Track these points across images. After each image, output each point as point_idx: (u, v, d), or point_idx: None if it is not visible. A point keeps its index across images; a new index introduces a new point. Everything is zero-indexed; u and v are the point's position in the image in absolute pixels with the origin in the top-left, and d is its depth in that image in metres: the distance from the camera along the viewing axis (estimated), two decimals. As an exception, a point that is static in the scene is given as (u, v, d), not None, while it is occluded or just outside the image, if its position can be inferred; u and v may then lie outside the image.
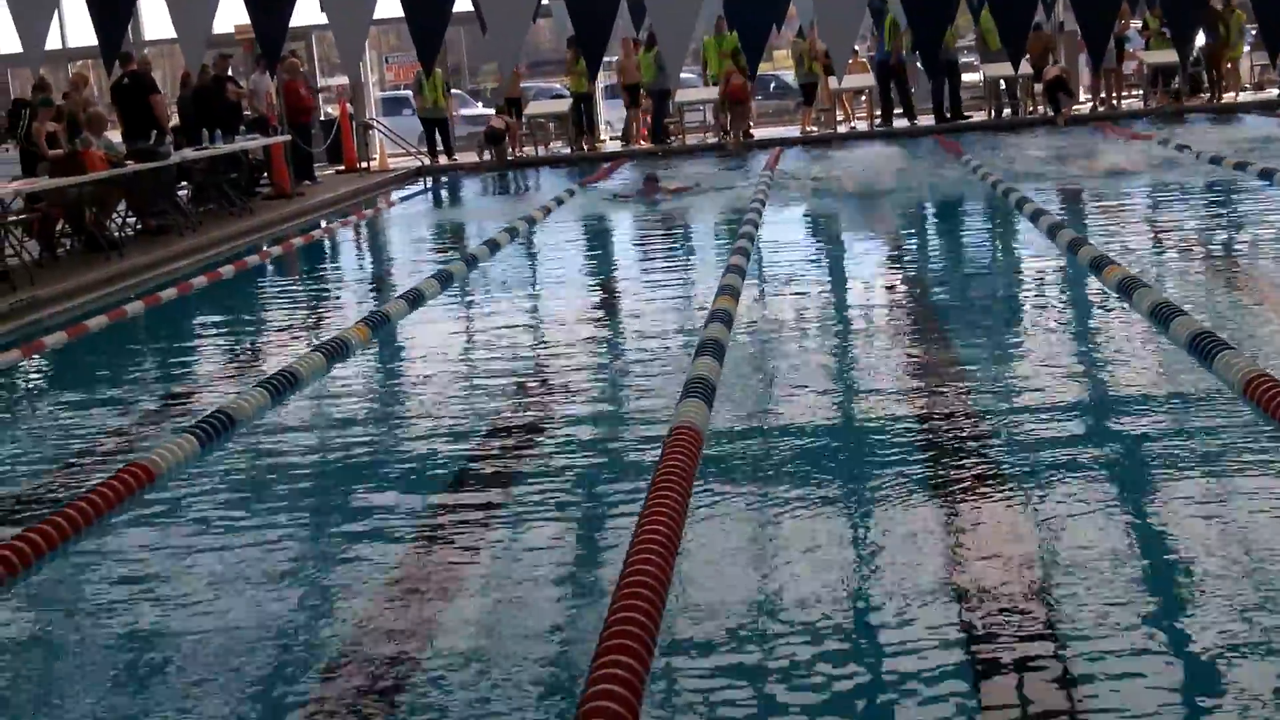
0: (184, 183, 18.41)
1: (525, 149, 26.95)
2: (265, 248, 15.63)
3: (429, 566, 5.29)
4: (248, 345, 10.59)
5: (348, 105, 25.79)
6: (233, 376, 9.27)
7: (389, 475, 6.62)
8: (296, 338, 10.52)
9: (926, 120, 26.19)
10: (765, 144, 24.96)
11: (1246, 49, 27.45)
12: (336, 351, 8.98)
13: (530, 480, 6.33)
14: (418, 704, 4.14)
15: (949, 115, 25.82)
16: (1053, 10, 24.53)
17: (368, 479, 6.59)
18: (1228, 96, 25.84)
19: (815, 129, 26.31)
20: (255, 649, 4.60)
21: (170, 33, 14.48)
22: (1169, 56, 23.95)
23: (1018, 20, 11.68)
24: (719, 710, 3.95)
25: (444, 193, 23.48)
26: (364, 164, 25.97)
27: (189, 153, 17.82)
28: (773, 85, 32.13)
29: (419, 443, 7.14)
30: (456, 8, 12.27)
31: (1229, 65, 26.06)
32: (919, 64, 23.59)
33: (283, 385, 8.02)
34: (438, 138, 26.52)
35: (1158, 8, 22.92)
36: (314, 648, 4.59)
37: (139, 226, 16.74)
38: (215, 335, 11.29)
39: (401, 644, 4.54)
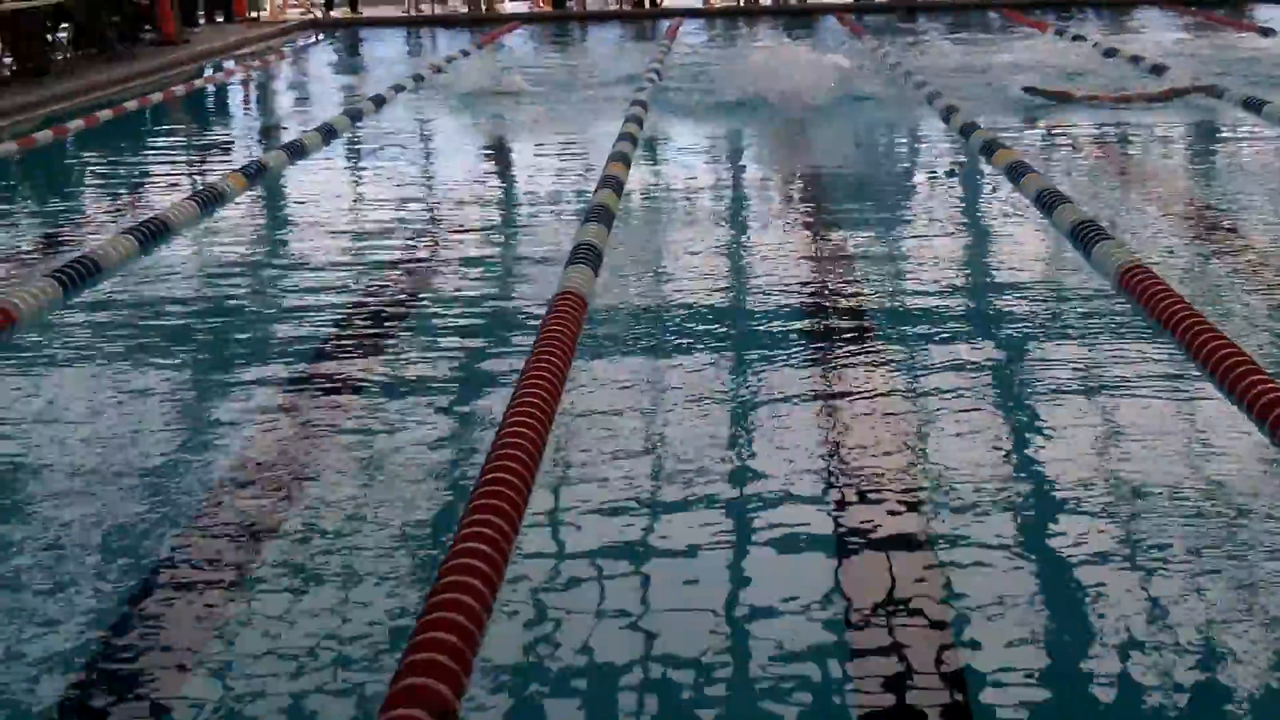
0: (64, 24, 17.84)
1: (423, 6, 26.47)
2: (145, 95, 15.17)
3: (295, 428, 5.14)
4: (122, 192, 10.26)
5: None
6: (105, 223, 8.99)
7: (256, 332, 6.44)
8: (173, 186, 10.22)
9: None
10: (669, 13, 24.71)
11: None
12: (211, 200, 8.75)
13: (407, 343, 6.18)
14: (274, 570, 4.02)
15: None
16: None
17: (234, 333, 6.41)
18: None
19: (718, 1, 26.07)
20: (111, 501, 4.45)
21: None
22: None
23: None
24: (582, 586, 3.87)
25: (336, 47, 22.97)
26: (254, 14, 25.39)
27: (68, -8, 17.25)
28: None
29: (291, 298, 6.95)
30: None
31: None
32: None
33: (152, 232, 7.81)
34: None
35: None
36: (170, 505, 4.44)
37: (14, 67, 16.21)
38: (90, 181, 10.97)
39: (261, 506, 4.41)
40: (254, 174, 9.68)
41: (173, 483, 4.59)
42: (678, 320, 6.28)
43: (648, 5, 25.57)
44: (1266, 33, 18.63)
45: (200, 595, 3.83)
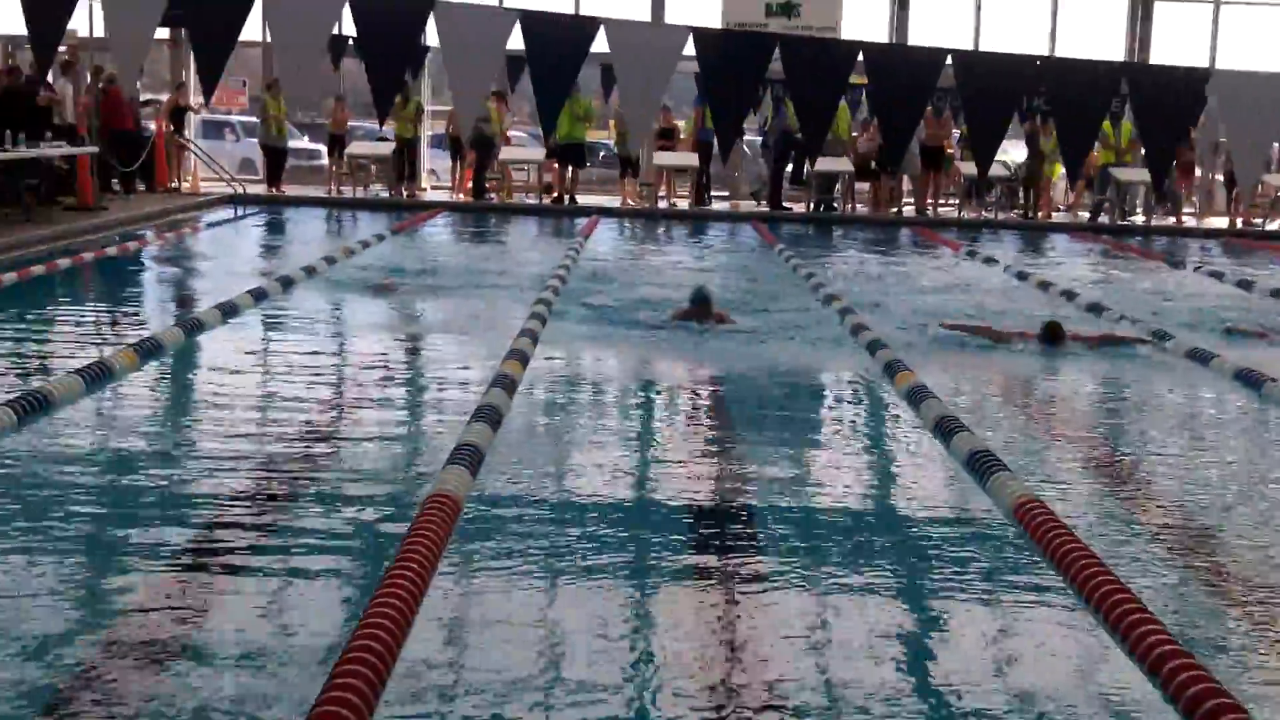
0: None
1: (344, 189, 26.56)
2: (53, 260, 14.98)
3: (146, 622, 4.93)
4: (9, 362, 10.02)
5: (163, 123, 25.16)
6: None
7: (124, 511, 6.21)
8: (65, 358, 9.98)
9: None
10: (586, 210, 24.87)
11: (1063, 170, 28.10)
12: (98, 376, 8.54)
13: (276, 536, 5.98)
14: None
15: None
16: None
17: (103, 513, 6.19)
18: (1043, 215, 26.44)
19: (635, 202, 26.31)
20: None
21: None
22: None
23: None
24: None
25: (253, 222, 22.93)
26: (175, 184, 25.38)
27: (-14, 153, 17.14)
28: (602, 154, 32.07)
29: (169, 482, 6.73)
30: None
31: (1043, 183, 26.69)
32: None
33: (31, 406, 7.57)
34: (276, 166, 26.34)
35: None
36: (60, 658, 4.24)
37: (-77, 223, 16.03)
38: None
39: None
40: (147, 351, 9.47)
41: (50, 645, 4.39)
42: (559, 527, 6.13)
43: (566, 202, 25.76)
44: (1177, 265, 19.03)
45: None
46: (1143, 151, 23.38)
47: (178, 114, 25.98)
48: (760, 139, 27.75)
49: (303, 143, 32.53)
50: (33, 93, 20.04)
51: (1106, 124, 24.27)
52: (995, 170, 23.73)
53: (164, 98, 27.02)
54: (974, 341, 11.47)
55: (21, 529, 5.87)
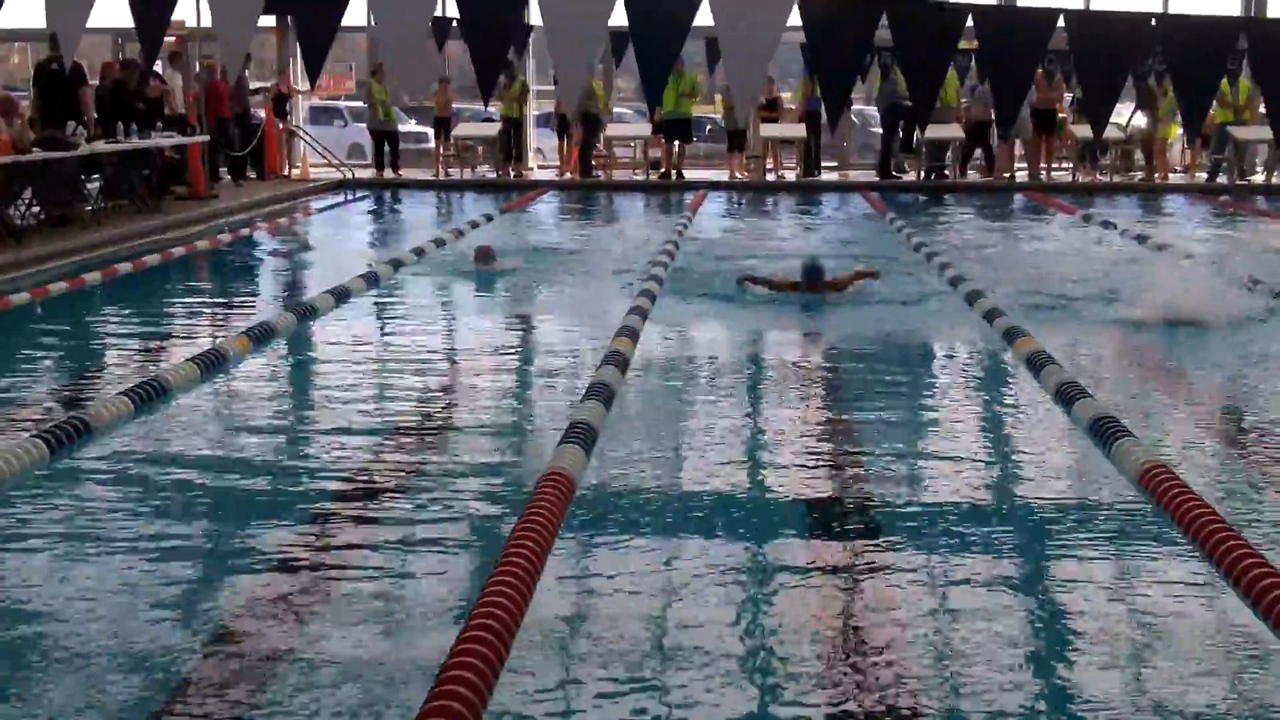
0: (96, 175, 17.89)
1: (451, 170, 26.66)
2: (167, 249, 15.14)
3: (280, 596, 4.93)
4: (127, 349, 10.13)
5: (270, 110, 25.39)
6: (106, 381, 8.84)
7: (245, 496, 6.24)
8: (180, 345, 10.07)
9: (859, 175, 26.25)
10: (693, 185, 24.77)
11: (1180, 130, 27.59)
12: (213, 362, 8.60)
13: (391, 516, 5.98)
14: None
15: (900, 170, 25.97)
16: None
17: (224, 497, 6.22)
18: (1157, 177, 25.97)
19: (743, 175, 26.17)
20: (108, 666, 4.30)
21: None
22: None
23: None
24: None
25: (363, 206, 23.09)
26: (286, 171, 25.61)
27: (100, 145, 17.31)
28: (708, 128, 31.96)
29: (284, 467, 6.77)
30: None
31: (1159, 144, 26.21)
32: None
33: (149, 394, 7.63)
34: (386, 149, 26.46)
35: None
36: (171, 668, 4.29)
37: (42, 215, 16.22)
38: (97, 336, 10.83)
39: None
40: (260, 337, 9.52)
41: (161, 652, 4.43)
42: (674, 506, 6.07)
43: (673, 177, 25.68)
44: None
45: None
46: (1262, 109, 22.93)
47: (280, 101, 26.17)
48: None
49: (410, 126, 32.67)
50: (143, 84, 20.25)
51: (1224, 82, 23.76)
52: (1109, 133, 23.30)
53: (270, 85, 27.26)
54: (1091, 308, 11.26)
55: (138, 517, 5.91)
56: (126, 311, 11.78)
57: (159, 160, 19.49)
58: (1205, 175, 26.48)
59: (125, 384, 7.98)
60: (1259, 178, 26.24)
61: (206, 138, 21.34)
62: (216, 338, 9.99)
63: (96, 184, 17.67)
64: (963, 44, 12.25)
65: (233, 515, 5.99)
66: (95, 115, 19.06)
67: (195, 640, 4.58)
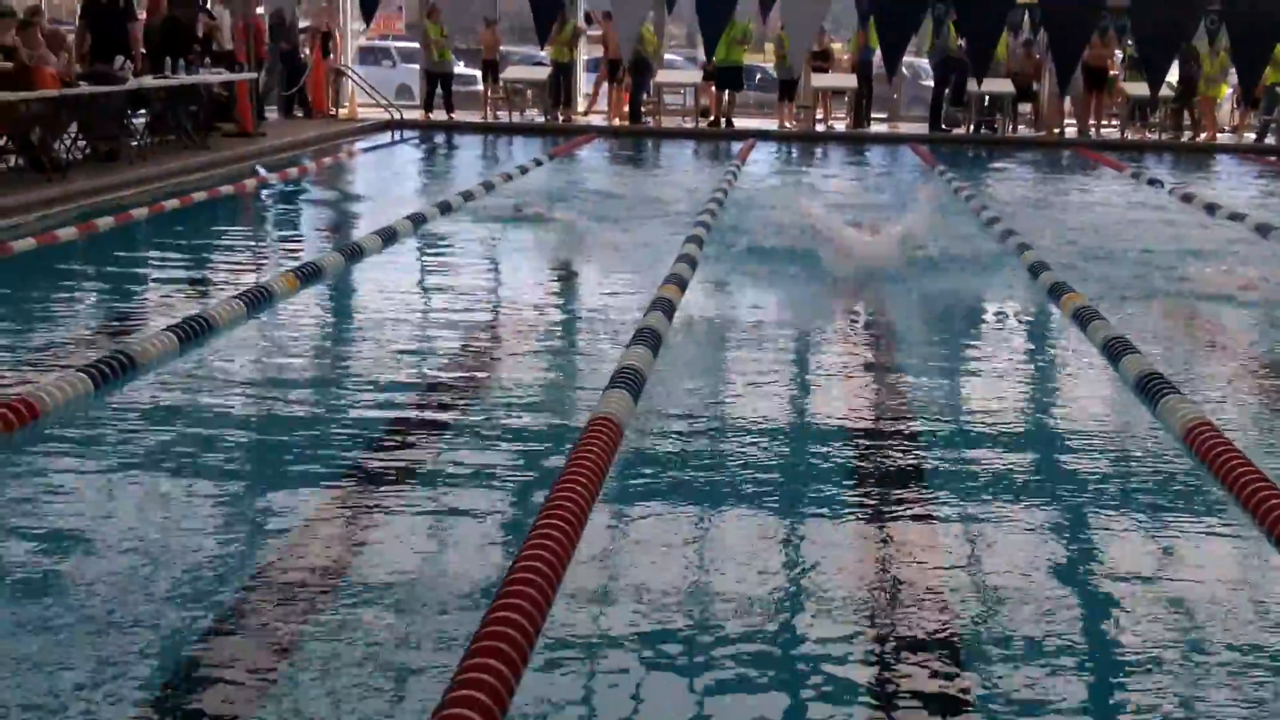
0: (143, 111, 17.92)
1: (499, 114, 26.61)
2: (214, 186, 15.17)
3: (319, 539, 4.96)
4: (174, 286, 10.15)
5: (320, 49, 25.36)
6: (151, 316, 8.86)
7: (288, 436, 6.27)
8: (226, 282, 10.10)
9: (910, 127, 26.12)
10: (743, 134, 24.66)
11: (1230, 90, 27.34)
12: (259, 300, 8.62)
13: (443, 457, 5.99)
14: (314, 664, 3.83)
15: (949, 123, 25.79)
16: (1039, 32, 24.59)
17: (269, 436, 6.26)
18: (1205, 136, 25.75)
19: (792, 125, 26.03)
20: (145, 600, 4.35)
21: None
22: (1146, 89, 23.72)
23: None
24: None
25: (410, 147, 23.08)
26: (333, 111, 25.61)
27: (148, 80, 17.32)
28: (758, 77, 31.77)
29: (329, 407, 6.78)
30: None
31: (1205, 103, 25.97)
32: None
33: (194, 331, 7.66)
34: (439, 91, 26.42)
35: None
36: (208, 607, 4.32)
37: (88, 150, 16.26)
38: (143, 272, 10.85)
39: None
40: (308, 275, 9.54)
41: (209, 586, 4.47)
42: (721, 452, 6.07)
43: (723, 126, 25.58)
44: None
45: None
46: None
47: (325, 39, 26.09)
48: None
49: (458, 68, 32.60)
50: (193, 20, 20.24)
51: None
52: (1161, 91, 23.09)
53: (323, 25, 27.19)
54: (1141, 269, 11.17)
55: (183, 452, 5.93)
56: (172, 248, 11.81)
57: (207, 97, 19.51)
58: (1254, 135, 26.24)
59: (170, 320, 8.01)
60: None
61: (255, 75, 21.32)
62: (264, 275, 10.00)
63: (143, 120, 17.71)
64: None
65: (276, 453, 6.01)
66: (144, 50, 19.07)
67: (235, 575, 4.60)
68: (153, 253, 11.66)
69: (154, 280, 10.43)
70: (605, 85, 27.25)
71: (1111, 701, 3.91)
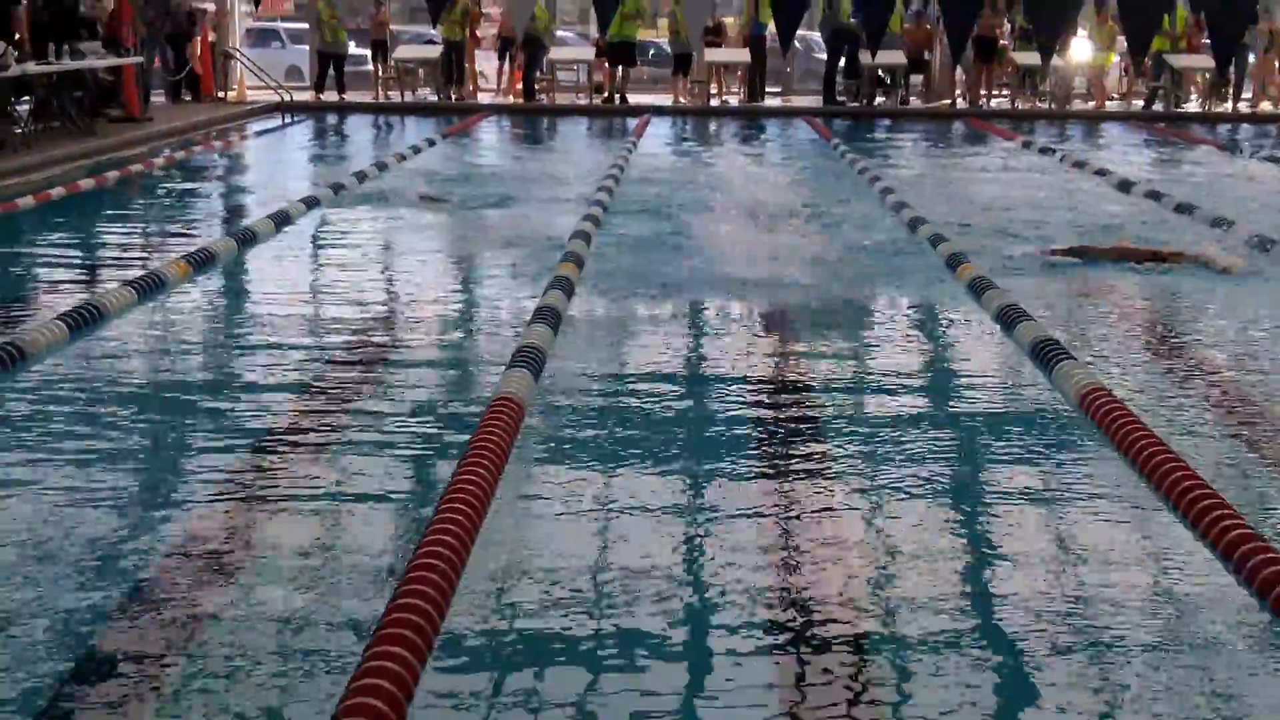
0: (27, 97, 17.60)
1: (391, 94, 26.40)
2: (102, 173, 14.92)
3: (216, 528, 4.89)
4: (62, 275, 9.98)
5: (209, 32, 25.04)
6: (39, 306, 8.71)
7: (179, 426, 6.16)
8: (117, 270, 9.94)
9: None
10: (637, 110, 24.65)
11: (1116, 58, 27.72)
12: (150, 287, 8.49)
13: (340, 440, 5.92)
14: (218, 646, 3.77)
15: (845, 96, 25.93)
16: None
17: (155, 423, 6.15)
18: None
19: (687, 100, 26.05)
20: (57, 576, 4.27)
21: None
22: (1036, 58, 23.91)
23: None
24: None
25: (301, 130, 22.86)
26: (221, 94, 25.29)
27: (32, 66, 16.99)
28: (651, 52, 31.75)
29: (224, 392, 6.70)
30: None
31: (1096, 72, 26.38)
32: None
33: (84, 319, 7.52)
34: (331, 72, 26.19)
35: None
36: (104, 594, 4.25)
37: (-29, 139, 15.94)
38: (32, 261, 10.65)
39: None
40: (200, 262, 9.41)
41: (103, 576, 4.41)
42: (620, 427, 6.06)
43: (617, 102, 25.55)
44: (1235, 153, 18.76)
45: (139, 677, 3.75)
46: (1205, 39, 23.10)
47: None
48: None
49: (349, 48, 32.33)
50: (76, 4, 19.88)
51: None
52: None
53: (210, 7, 26.81)
54: (1030, 233, 11.27)
55: (73, 444, 5.82)
56: (61, 237, 11.61)
57: (92, 82, 19.18)
58: (1142, 103, 26.64)
59: (60, 309, 7.86)
60: (1193, 106, 26.44)
61: (141, 59, 21.00)
62: (155, 263, 9.84)
63: (27, 106, 17.39)
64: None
65: (169, 444, 5.92)
66: (27, 35, 18.70)
67: (131, 563, 4.52)
68: (40, 242, 11.43)
69: (42, 269, 10.24)
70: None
71: (998, 662, 3.94)
